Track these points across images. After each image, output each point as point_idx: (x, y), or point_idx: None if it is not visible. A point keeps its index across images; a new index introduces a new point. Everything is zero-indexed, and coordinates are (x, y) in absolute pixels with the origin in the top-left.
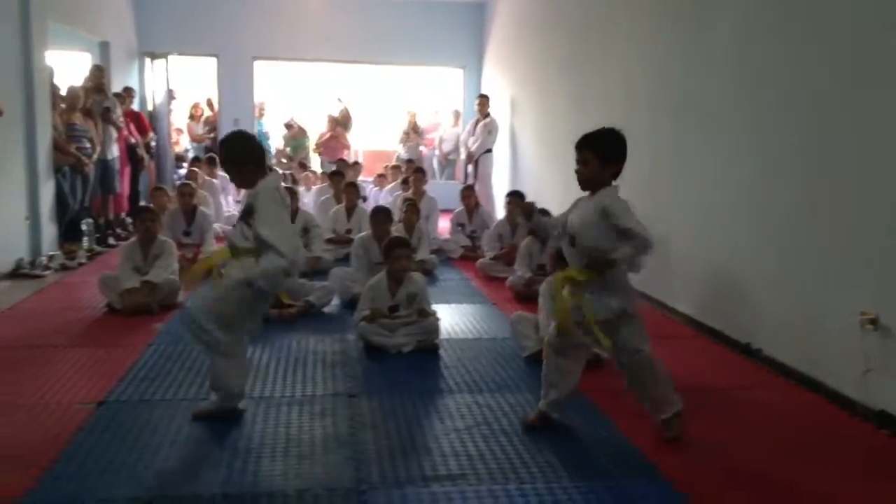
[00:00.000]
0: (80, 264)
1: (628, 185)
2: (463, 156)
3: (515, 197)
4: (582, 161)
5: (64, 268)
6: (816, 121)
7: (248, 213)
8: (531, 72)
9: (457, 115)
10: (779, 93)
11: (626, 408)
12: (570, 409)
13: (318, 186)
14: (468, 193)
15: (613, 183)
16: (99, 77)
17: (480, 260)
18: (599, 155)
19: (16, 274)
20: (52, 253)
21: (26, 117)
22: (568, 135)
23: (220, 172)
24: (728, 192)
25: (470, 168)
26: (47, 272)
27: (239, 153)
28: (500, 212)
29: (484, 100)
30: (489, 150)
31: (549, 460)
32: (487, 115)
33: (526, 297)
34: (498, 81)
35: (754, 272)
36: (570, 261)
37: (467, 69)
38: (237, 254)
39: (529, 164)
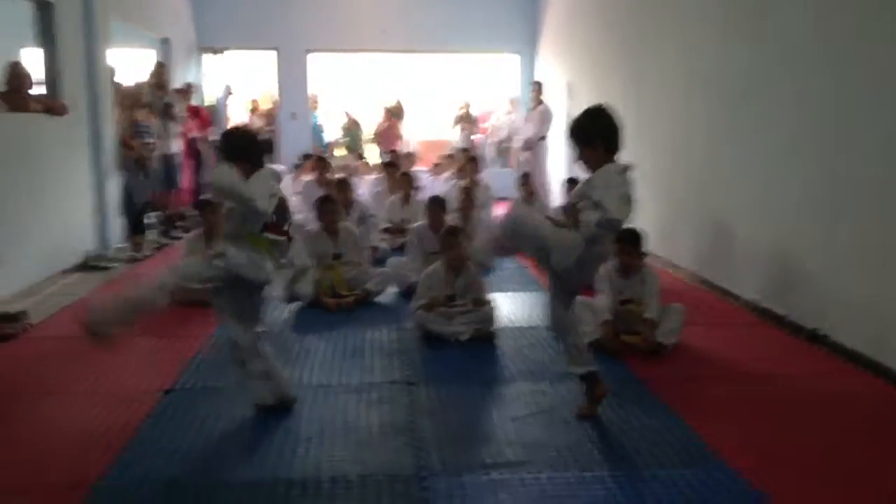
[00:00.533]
0: (147, 256)
1: (686, 166)
2: (518, 144)
3: (573, 184)
4: (577, 155)
5: (132, 259)
6: (886, 98)
7: None
8: (587, 57)
9: (512, 102)
10: (847, 70)
11: (688, 397)
12: (631, 398)
13: (373, 177)
14: (525, 181)
15: (616, 160)
16: (160, 74)
17: None
18: (583, 141)
19: (85, 266)
20: (119, 245)
21: (91, 115)
22: (626, 119)
23: (280, 165)
24: (792, 172)
25: (525, 156)
26: (115, 264)
27: (236, 147)
28: (555, 200)
29: (537, 87)
30: (544, 138)
31: (611, 449)
32: (541, 102)
33: None
34: (554, 67)
35: (820, 255)
36: None
37: (523, 55)
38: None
39: None
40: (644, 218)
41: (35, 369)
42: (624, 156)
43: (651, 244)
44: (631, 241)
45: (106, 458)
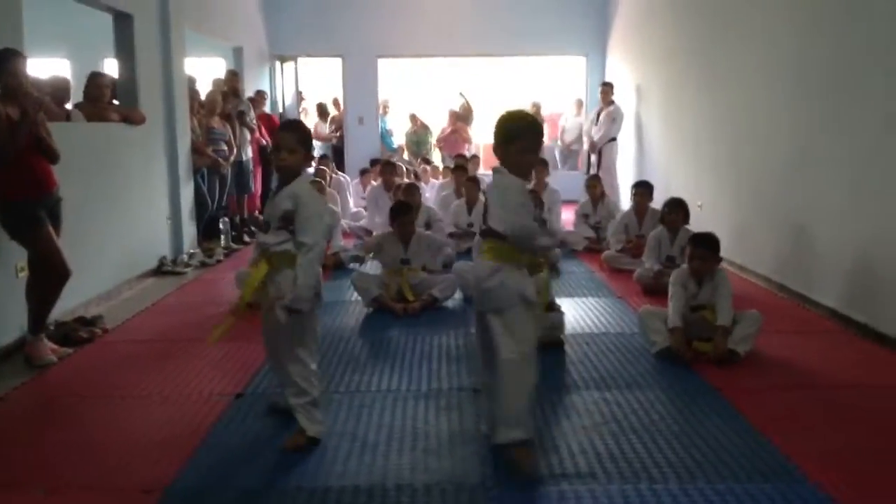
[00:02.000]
0: (218, 261)
1: (768, 168)
2: (586, 146)
3: (643, 188)
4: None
5: (203, 265)
6: None
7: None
8: (658, 58)
9: (579, 104)
10: None
11: (765, 407)
12: (704, 408)
13: (439, 181)
14: (594, 183)
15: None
16: (234, 81)
17: (606, 252)
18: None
19: (159, 271)
20: (192, 251)
21: (167, 123)
22: (698, 121)
23: (342, 174)
24: (879, 170)
25: (593, 158)
26: (188, 269)
27: (308, 139)
28: (625, 202)
29: (608, 87)
30: (613, 139)
31: (683, 460)
32: (612, 102)
33: (654, 290)
34: (622, 68)
35: None
36: None
37: (590, 57)
38: (276, 261)
39: (656, 153)
40: (720, 222)
41: (110, 373)
42: (693, 160)
43: (726, 249)
44: (706, 245)
45: (178, 461)
